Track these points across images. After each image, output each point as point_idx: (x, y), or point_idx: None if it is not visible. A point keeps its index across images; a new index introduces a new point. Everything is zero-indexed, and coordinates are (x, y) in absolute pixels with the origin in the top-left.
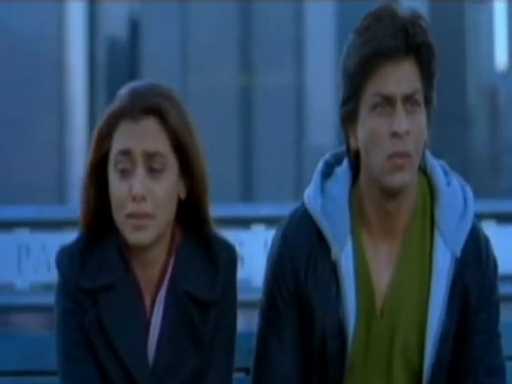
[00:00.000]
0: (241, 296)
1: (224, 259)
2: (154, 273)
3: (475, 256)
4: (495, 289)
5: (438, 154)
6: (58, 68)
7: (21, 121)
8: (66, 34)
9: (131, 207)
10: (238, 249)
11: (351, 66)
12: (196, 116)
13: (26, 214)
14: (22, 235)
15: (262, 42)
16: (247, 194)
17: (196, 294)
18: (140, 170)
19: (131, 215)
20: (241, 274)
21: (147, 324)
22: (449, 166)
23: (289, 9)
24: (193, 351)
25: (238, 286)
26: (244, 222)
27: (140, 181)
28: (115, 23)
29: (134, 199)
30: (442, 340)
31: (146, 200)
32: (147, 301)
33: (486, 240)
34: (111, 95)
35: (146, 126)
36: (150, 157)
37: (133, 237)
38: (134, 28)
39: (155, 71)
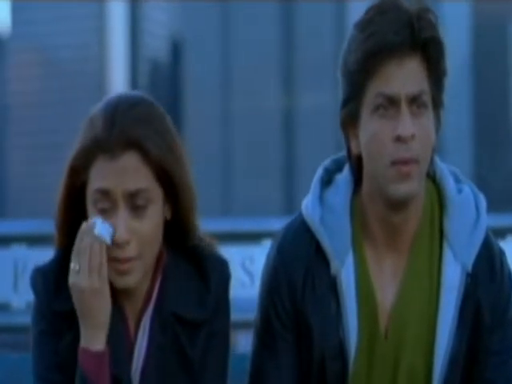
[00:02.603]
0: (251, 315)
1: (216, 275)
2: (138, 296)
3: (488, 270)
4: (511, 306)
5: (481, 177)
6: (100, 91)
7: (60, 145)
8: (107, 56)
9: (115, 252)
10: (248, 265)
11: (352, 63)
12: (238, 136)
13: (23, 228)
14: (19, 251)
15: (303, 63)
16: (289, 214)
17: (184, 314)
18: (122, 211)
19: (115, 259)
20: (250, 291)
21: (131, 349)
22: (492, 187)
23: (330, 31)
24: (182, 377)
25: (248, 304)
26: (254, 237)
27: (123, 224)
28: (157, 45)
29: (118, 245)
30: (452, 362)
31: (129, 243)
32: (131, 325)
33: (501, 253)
34: None
35: (126, 162)
36: (132, 196)
37: (118, 281)
38: (176, 50)
39: (197, 93)
